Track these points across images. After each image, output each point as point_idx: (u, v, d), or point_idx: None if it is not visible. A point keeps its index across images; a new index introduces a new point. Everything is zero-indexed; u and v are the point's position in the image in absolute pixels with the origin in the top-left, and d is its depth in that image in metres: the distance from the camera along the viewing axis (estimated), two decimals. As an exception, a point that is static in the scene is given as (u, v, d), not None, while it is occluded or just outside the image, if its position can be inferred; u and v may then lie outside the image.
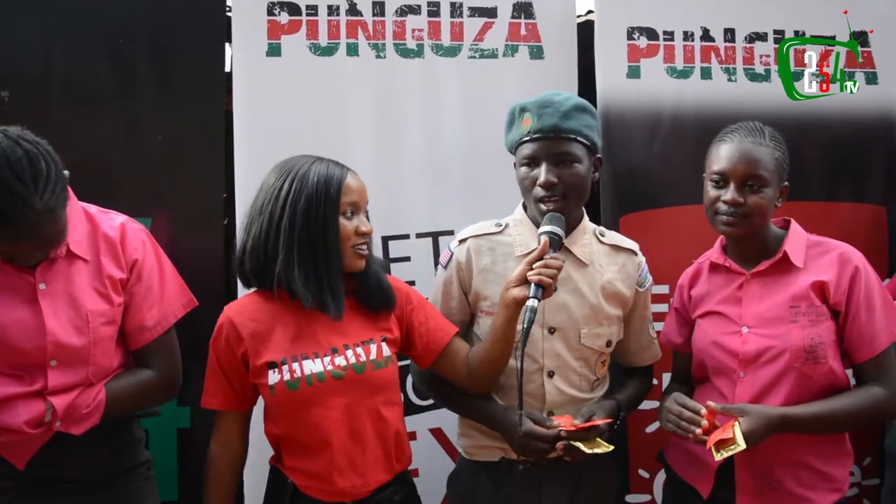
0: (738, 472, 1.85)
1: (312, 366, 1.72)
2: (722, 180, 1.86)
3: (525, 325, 1.68)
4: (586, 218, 1.99)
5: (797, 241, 1.90)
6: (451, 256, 1.98)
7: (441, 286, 2.00)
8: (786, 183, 1.90)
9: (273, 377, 1.71)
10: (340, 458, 1.71)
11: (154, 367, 1.87)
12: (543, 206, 1.84)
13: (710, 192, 1.89)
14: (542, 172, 1.83)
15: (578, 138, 1.84)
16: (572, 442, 1.78)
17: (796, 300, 1.84)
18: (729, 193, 1.83)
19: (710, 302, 1.96)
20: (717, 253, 1.99)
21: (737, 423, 1.71)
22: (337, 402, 1.72)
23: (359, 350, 1.75)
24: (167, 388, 1.91)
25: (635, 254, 2.00)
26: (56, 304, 1.72)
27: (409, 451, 1.86)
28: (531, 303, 1.69)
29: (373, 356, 1.75)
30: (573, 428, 1.78)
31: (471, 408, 1.95)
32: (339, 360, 1.73)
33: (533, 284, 1.70)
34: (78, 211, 1.78)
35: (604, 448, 1.79)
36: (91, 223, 1.81)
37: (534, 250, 1.79)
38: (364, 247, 1.76)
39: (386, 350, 1.78)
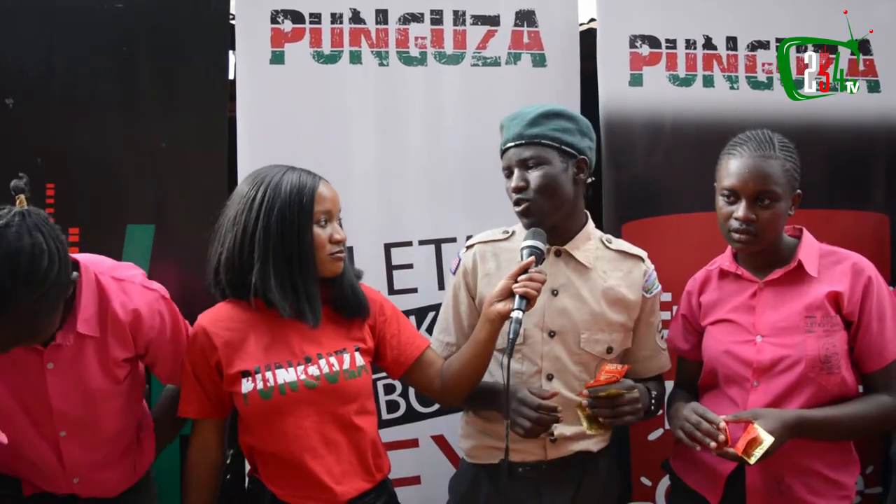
0: (749, 479, 1.85)
1: (286, 375, 1.72)
2: (733, 196, 1.85)
3: (511, 337, 1.69)
4: (591, 224, 2.01)
5: (810, 250, 1.90)
6: (459, 262, 2.03)
7: (451, 291, 2.04)
8: (798, 191, 1.89)
9: (246, 386, 1.72)
10: (315, 466, 1.72)
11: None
12: (518, 209, 1.90)
13: (723, 207, 1.88)
14: (513, 179, 1.90)
15: (543, 141, 1.88)
16: (592, 395, 1.78)
17: (811, 310, 1.84)
18: (740, 210, 1.82)
19: (722, 310, 1.96)
20: (728, 260, 1.98)
21: (754, 424, 1.72)
22: (309, 412, 1.73)
23: (332, 359, 1.75)
24: None
25: (642, 260, 2.01)
26: (63, 382, 1.69)
27: (387, 460, 1.88)
28: (517, 314, 1.70)
29: (346, 366, 1.76)
30: (594, 383, 1.78)
31: (478, 391, 1.92)
32: (312, 370, 1.74)
33: (517, 297, 1.71)
34: (91, 285, 1.68)
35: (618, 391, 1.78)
36: (103, 299, 1.70)
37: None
38: (340, 252, 1.77)
39: (359, 360, 1.79)
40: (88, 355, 1.70)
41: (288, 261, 1.71)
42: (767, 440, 1.68)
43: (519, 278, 1.73)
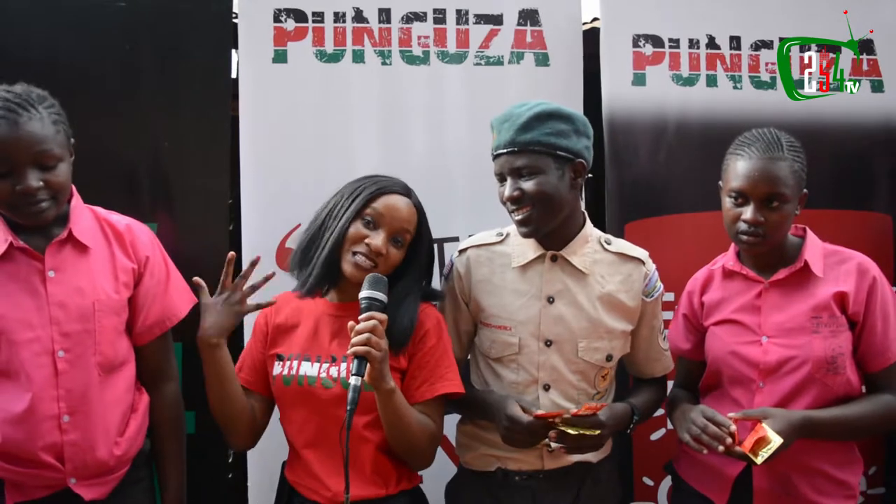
0: (757, 480, 1.85)
1: (309, 368, 1.76)
2: (741, 197, 1.83)
3: (349, 407, 1.55)
4: (588, 225, 1.92)
5: (815, 250, 1.89)
6: (452, 267, 1.98)
7: (447, 297, 1.98)
8: (805, 191, 1.88)
9: (276, 368, 1.80)
10: (313, 460, 1.75)
11: (161, 369, 1.92)
12: (515, 217, 1.84)
13: (730, 209, 1.86)
14: (506, 188, 1.82)
15: (536, 149, 1.79)
16: (562, 427, 1.73)
17: (818, 310, 1.83)
18: (749, 213, 1.81)
19: (726, 310, 1.95)
20: (731, 260, 1.97)
21: (763, 424, 1.72)
22: (320, 409, 1.74)
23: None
24: (177, 383, 1.98)
25: (643, 263, 1.92)
26: (63, 291, 1.73)
27: (401, 479, 1.81)
28: (354, 380, 1.56)
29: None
30: (567, 414, 1.73)
31: (472, 399, 1.90)
32: (333, 371, 1.74)
33: (356, 358, 1.58)
34: (80, 204, 1.82)
35: (590, 431, 1.74)
36: (97, 218, 1.85)
37: (529, 261, 1.84)
38: (364, 259, 1.72)
39: None
40: (89, 267, 1.77)
41: (318, 235, 1.77)
42: (776, 441, 1.67)
43: (354, 332, 1.59)
